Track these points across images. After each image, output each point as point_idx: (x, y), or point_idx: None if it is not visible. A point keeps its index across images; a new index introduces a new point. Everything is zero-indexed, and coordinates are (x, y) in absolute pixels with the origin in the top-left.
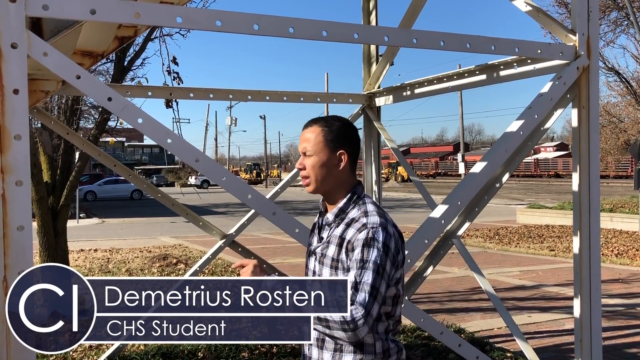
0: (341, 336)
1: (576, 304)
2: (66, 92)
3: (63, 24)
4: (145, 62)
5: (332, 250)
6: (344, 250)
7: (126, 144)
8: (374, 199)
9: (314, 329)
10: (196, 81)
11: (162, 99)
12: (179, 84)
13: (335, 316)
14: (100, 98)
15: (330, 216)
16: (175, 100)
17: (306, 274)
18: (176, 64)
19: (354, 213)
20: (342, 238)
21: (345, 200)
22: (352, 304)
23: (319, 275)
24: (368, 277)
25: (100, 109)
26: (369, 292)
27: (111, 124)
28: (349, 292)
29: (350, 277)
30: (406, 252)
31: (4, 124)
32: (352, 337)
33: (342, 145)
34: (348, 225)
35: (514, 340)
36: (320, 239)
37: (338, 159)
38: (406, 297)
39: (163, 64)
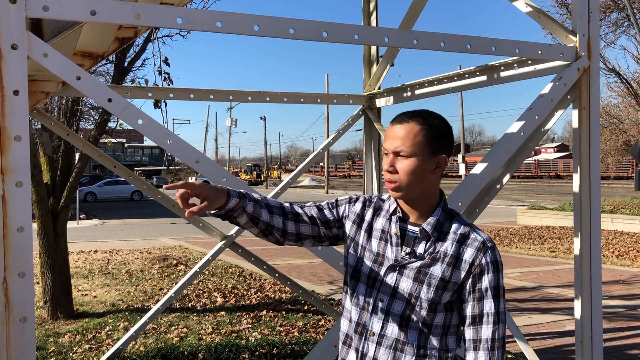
0: None
1: (577, 305)
2: (66, 93)
3: (63, 24)
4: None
5: (439, 270)
6: (461, 272)
7: (126, 145)
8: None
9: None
10: (196, 82)
11: (163, 100)
12: (169, 84)
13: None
14: (100, 99)
15: (428, 228)
16: (164, 101)
17: (373, 286)
18: (167, 64)
19: (456, 227)
20: (457, 258)
21: (439, 210)
22: (497, 342)
23: (410, 294)
24: (503, 306)
25: (100, 110)
26: (504, 321)
27: (111, 124)
28: (490, 327)
29: (487, 308)
30: None
31: (4, 125)
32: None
33: (442, 148)
34: (461, 242)
35: (515, 341)
36: (413, 252)
37: (436, 163)
38: None
39: (155, 64)
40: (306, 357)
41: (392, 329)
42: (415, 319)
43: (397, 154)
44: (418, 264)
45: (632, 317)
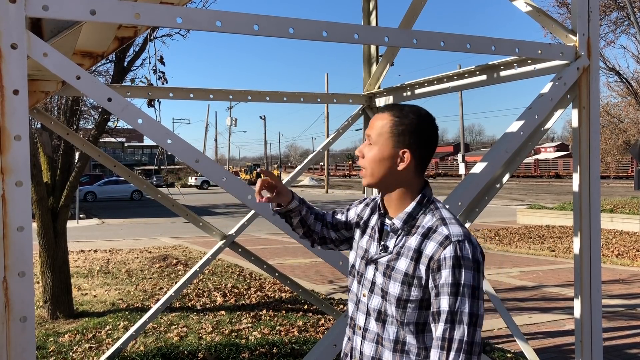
0: None
1: (576, 304)
2: (66, 93)
3: (63, 24)
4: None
5: (404, 264)
6: (422, 266)
7: (126, 144)
8: (442, 203)
9: None
10: (196, 82)
11: (160, 100)
12: (163, 83)
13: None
14: (100, 99)
15: (397, 222)
16: (158, 100)
17: (360, 282)
18: (163, 63)
19: (427, 220)
20: (419, 252)
21: (414, 204)
22: (450, 343)
23: (382, 289)
24: (465, 305)
25: (100, 110)
26: (467, 323)
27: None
28: (442, 326)
29: (443, 306)
30: None
31: (4, 124)
32: None
33: (408, 144)
34: (425, 236)
35: (515, 340)
36: (385, 247)
37: (400, 157)
38: None
39: (150, 62)
40: (306, 356)
41: (373, 324)
42: (389, 313)
43: (368, 141)
44: (386, 258)
45: (631, 316)
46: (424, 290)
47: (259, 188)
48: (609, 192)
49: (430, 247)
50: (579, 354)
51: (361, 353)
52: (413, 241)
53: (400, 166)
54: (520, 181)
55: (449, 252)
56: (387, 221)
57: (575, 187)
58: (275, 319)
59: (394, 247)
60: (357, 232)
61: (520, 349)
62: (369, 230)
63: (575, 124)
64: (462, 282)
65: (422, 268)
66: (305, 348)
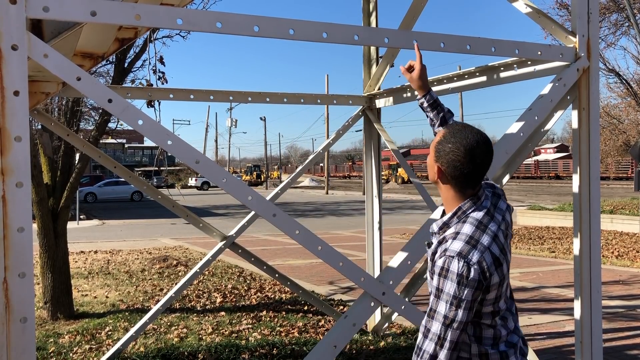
0: None
1: (576, 305)
2: (66, 94)
3: (63, 25)
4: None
5: (431, 265)
6: (431, 266)
7: (126, 145)
8: (485, 213)
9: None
10: (196, 83)
11: (161, 100)
12: (163, 83)
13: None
14: (100, 100)
15: (435, 227)
16: (158, 101)
17: None
18: (163, 64)
19: (450, 231)
20: (433, 254)
21: (450, 214)
22: (427, 331)
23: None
24: (441, 307)
25: (100, 111)
26: (441, 321)
27: (111, 125)
28: (425, 317)
29: (430, 302)
30: (407, 254)
31: (4, 125)
32: None
33: (437, 159)
34: (440, 243)
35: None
36: (429, 244)
37: (437, 169)
38: (406, 299)
39: (150, 63)
40: (306, 357)
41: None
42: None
43: None
44: (428, 251)
45: (631, 317)
46: None
47: (407, 67)
48: (608, 193)
49: (437, 254)
50: (579, 355)
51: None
52: (435, 245)
53: (436, 177)
54: (520, 182)
55: (440, 262)
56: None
57: (575, 188)
58: (276, 320)
59: (432, 246)
60: None
61: None
62: None
63: (575, 125)
64: (443, 289)
65: (431, 267)
66: (305, 349)
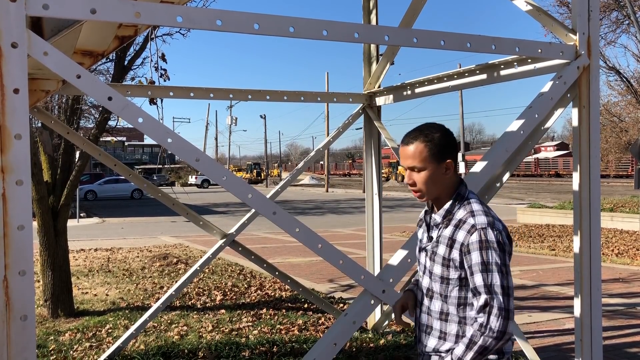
0: (491, 344)
1: (576, 303)
2: (66, 92)
3: (63, 23)
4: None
5: (442, 250)
6: (456, 251)
7: (126, 143)
8: (476, 196)
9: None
10: (196, 81)
11: (161, 98)
12: (165, 80)
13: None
14: (100, 97)
15: (438, 218)
16: (160, 99)
17: (419, 266)
18: (164, 60)
19: (460, 214)
20: (452, 239)
21: (451, 201)
22: (490, 309)
23: (429, 271)
24: (496, 279)
25: (100, 109)
26: (501, 293)
27: (111, 123)
28: (483, 297)
29: (478, 281)
30: (407, 252)
31: (4, 123)
32: (505, 336)
33: (447, 155)
34: (457, 227)
35: (514, 339)
36: (430, 238)
37: (446, 168)
38: None
39: (151, 60)
40: (306, 355)
41: (426, 299)
42: (435, 290)
43: (412, 169)
44: (430, 245)
45: (631, 315)
46: (460, 270)
47: (399, 312)
48: (609, 191)
49: (460, 235)
50: (579, 353)
51: (420, 323)
52: (448, 231)
53: (447, 174)
54: (521, 180)
55: (475, 237)
56: (433, 216)
57: (576, 186)
58: (276, 317)
59: (437, 237)
60: (419, 230)
61: (521, 348)
62: (423, 225)
63: (575, 122)
64: (489, 260)
65: (456, 253)
66: (305, 347)
